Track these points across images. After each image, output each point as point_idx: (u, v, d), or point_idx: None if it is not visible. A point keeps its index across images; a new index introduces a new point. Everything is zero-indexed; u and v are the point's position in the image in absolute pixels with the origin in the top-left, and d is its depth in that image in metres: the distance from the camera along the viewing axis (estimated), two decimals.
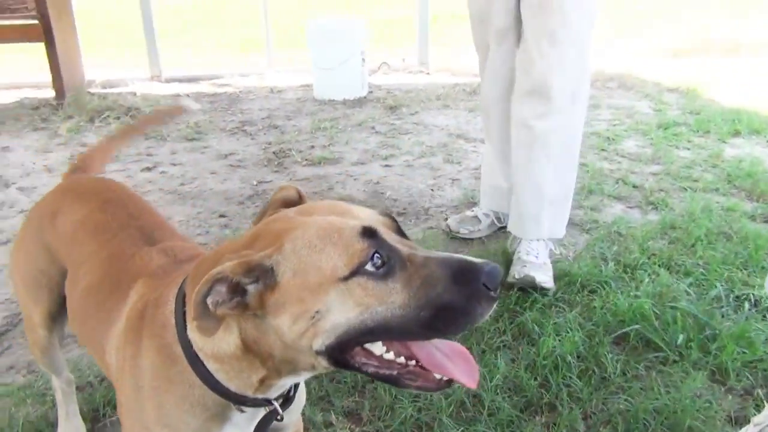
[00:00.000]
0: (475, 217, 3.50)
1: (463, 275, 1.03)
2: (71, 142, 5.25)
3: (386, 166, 4.69)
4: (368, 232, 1.03)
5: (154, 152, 5.07)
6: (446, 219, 3.64)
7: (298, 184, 1.29)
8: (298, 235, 1.04)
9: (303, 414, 1.70)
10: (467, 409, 2.18)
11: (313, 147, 5.10)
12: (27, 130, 5.56)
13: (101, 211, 1.57)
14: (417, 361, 1.09)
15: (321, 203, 1.14)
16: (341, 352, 1.05)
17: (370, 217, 1.11)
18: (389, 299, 1.01)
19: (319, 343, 1.03)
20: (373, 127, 5.63)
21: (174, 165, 4.78)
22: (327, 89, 6.66)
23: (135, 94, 6.69)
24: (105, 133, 5.43)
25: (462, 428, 2.09)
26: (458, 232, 3.46)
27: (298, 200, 1.25)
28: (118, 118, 5.80)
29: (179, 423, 1.19)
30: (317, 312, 1.01)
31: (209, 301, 1.01)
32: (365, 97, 6.70)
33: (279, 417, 1.26)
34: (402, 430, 2.09)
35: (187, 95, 6.86)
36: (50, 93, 6.36)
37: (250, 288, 1.03)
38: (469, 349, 1.45)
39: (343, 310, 1.01)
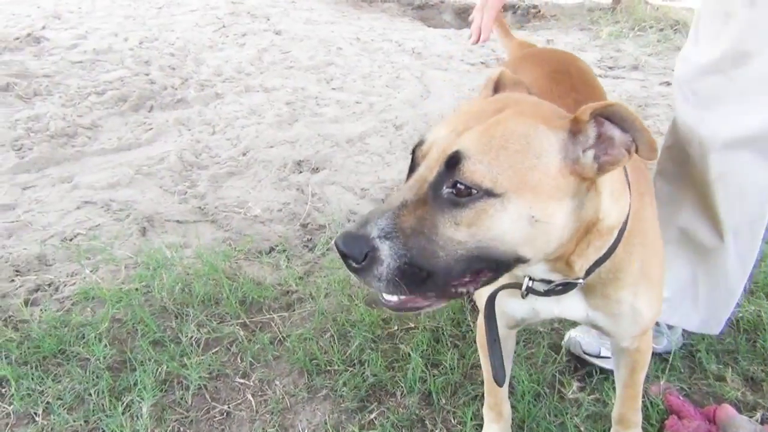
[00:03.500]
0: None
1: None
2: (607, 45, 5.41)
3: None
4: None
5: None
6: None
7: None
8: None
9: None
10: None
11: None
12: (575, 29, 5.92)
13: (548, 78, 1.67)
14: None
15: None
16: None
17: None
18: None
19: None
20: None
21: None
22: None
23: (690, 9, 6.37)
24: (642, 43, 5.41)
25: None
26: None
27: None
28: (662, 30, 5.66)
29: None
30: None
31: None
32: None
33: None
34: None
35: None
36: None
37: None
38: None
39: None
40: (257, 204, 3.11)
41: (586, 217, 1.03)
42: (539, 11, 6.63)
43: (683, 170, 1.75)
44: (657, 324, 1.98)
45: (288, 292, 2.40)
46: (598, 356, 1.95)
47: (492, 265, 0.98)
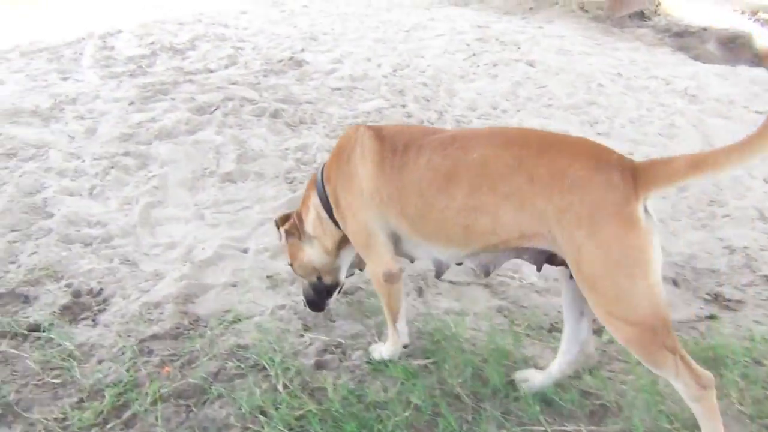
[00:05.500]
0: None
1: None
2: None
3: None
4: None
5: None
6: None
7: None
8: None
9: None
10: None
11: None
12: None
13: None
14: None
15: None
16: None
17: None
18: None
19: None
20: None
21: None
22: None
23: None
24: None
25: None
26: None
27: None
28: None
29: None
30: None
31: None
32: None
33: None
34: None
35: None
36: None
37: None
38: None
39: None
40: (531, 269, 2.89)
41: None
42: None
43: None
44: None
45: (587, 392, 2.15)
46: None
47: None
